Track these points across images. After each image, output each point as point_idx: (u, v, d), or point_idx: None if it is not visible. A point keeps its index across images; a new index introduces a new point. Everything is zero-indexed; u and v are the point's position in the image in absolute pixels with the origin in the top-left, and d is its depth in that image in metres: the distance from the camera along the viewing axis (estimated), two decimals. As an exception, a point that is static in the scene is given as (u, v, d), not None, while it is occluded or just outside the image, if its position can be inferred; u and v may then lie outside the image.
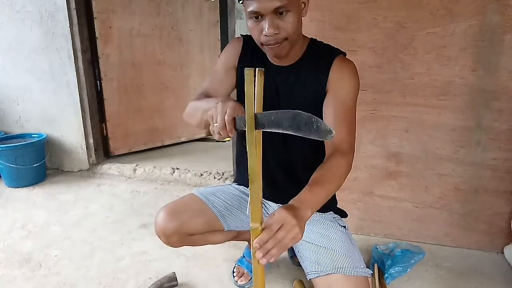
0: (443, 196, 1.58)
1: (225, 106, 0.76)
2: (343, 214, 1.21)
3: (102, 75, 2.63)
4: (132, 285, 1.39)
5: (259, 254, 0.67)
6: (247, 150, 0.67)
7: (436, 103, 1.49)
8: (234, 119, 0.75)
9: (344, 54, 1.03)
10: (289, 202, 0.76)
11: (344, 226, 1.13)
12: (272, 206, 1.21)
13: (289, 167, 1.12)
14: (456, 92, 1.46)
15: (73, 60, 2.40)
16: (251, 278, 1.38)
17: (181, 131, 3.17)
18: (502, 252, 1.55)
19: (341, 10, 1.49)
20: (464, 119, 1.48)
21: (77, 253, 1.62)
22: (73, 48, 2.38)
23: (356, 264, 0.99)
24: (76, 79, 2.43)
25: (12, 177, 2.38)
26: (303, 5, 0.92)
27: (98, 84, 2.64)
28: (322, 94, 0.99)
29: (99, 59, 2.59)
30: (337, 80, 0.98)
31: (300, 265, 1.47)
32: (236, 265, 1.43)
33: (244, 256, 1.43)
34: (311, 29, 1.50)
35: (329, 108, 0.97)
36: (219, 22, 3.22)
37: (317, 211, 1.13)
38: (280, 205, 1.18)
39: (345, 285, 0.96)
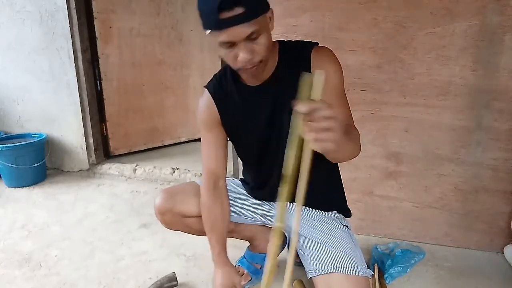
0: (443, 196, 1.58)
1: None
2: (347, 214, 1.21)
3: (102, 75, 2.63)
4: (132, 285, 1.39)
5: (307, 126, 0.62)
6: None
7: (436, 103, 1.49)
8: None
9: (316, 44, 1.00)
10: None
11: (347, 226, 1.14)
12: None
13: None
14: (456, 92, 1.46)
15: (73, 60, 2.40)
16: (251, 278, 1.38)
17: (181, 131, 3.17)
18: (502, 252, 1.55)
19: (341, 10, 1.49)
20: (464, 119, 1.48)
21: (77, 253, 1.62)
22: (73, 48, 2.38)
23: (357, 264, 0.99)
24: (76, 79, 2.44)
25: (12, 177, 2.38)
26: (269, 19, 0.88)
27: (98, 84, 2.64)
28: None
29: (99, 59, 2.60)
30: (320, 65, 0.95)
31: (300, 265, 1.47)
32: (236, 265, 1.43)
33: (244, 257, 1.43)
34: (311, 29, 1.50)
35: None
36: (219, 22, 3.22)
37: (320, 210, 1.15)
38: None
39: (345, 284, 0.96)
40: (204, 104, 1.09)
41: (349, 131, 0.85)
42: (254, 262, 1.40)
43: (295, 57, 0.97)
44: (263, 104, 1.02)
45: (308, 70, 0.95)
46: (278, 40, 1.02)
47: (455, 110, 1.48)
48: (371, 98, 1.55)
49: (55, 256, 1.60)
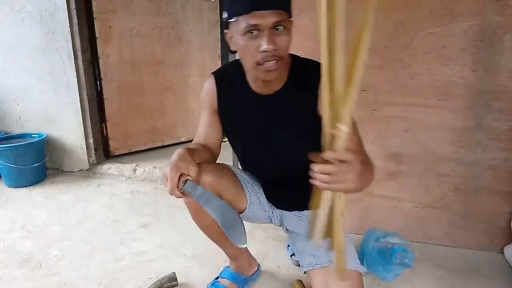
0: (443, 196, 1.58)
1: (171, 171, 0.85)
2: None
3: (102, 75, 2.63)
4: (132, 285, 1.39)
5: (315, 175, 0.69)
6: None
7: (436, 103, 1.49)
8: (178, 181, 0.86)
9: None
10: None
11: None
12: (276, 211, 1.22)
13: (288, 174, 1.09)
14: (456, 92, 1.46)
15: (73, 60, 2.40)
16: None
17: (181, 131, 3.17)
18: (502, 252, 1.55)
19: (341, 10, 1.49)
20: (464, 119, 1.48)
21: (77, 253, 1.62)
22: (73, 48, 2.38)
23: (351, 259, 1.00)
24: (76, 79, 2.43)
25: (12, 177, 2.38)
26: (290, 25, 0.89)
27: (98, 84, 2.64)
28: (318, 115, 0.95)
29: (99, 59, 2.59)
30: None
31: (299, 265, 1.47)
32: (219, 278, 1.36)
33: (226, 270, 1.38)
34: (311, 29, 1.50)
35: None
36: (219, 22, 3.23)
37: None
38: (286, 211, 1.20)
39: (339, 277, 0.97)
40: (207, 89, 1.09)
41: (365, 161, 0.83)
42: (234, 282, 1.34)
43: (306, 79, 0.96)
44: (263, 114, 1.01)
45: (315, 95, 0.91)
46: (291, 54, 1.00)
47: (455, 110, 1.48)
48: (371, 98, 1.55)
49: (55, 256, 1.60)
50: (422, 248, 1.60)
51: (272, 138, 1.04)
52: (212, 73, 1.10)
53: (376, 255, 1.40)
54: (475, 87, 1.44)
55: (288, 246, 1.57)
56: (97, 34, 2.54)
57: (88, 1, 2.46)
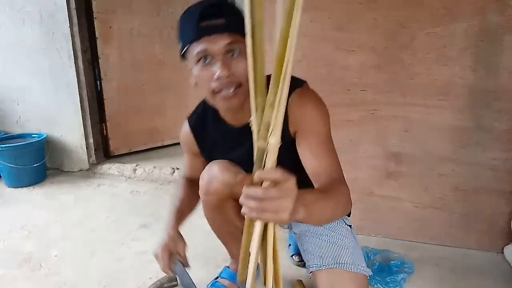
0: (443, 196, 1.58)
1: (162, 252, 0.99)
2: (349, 213, 1.21)
3: (102, 75, 2.63)
4: (132, 285, 1.39)
5: (243, 201, 0.57)
6: None
7: (436, 103, 1.49)
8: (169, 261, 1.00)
9: (301, 83, 0.92)
10: None
11: (350, 226, 1.14)
12: None
13: None
14: (456, 92, 1.46)
15: (73, 60, 2.40)
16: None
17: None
18: (502, 252, 1.55)
19: (341, 10, 1.49)
20: (464, 119, 1.48)
21: (77, 253, 1.62)
22: (73, 48, 2.38)
23: (358, 262, 1.00)
24: (76, 79, 2.44)
25: (12, 177, 2.38)
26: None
27: (98, 84, 2.64)
28: (291, 139, 0.92)
29: (99, 59, 2.59)
30: (302, 117, 0.89)
31: (300, 266, 1.47)
32: (219, 278, 1.37)
33: (225, 270, 1.38)
34: (311, 29, 1.50)
35: (303, 149, 0.89)
36: (219, 22, 3.23)
37: None
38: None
39: (345, 280, 0.97)
40: (184, 135, 1.11)
41: (327, 190, 0.76)
42: (234, 282, 1.34)
43: None
44: (241, 148, 0.98)
45: (286, 116, 0.75)
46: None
47: (455, 110, 1.48)
48: (371, 98, 1.55)
49: (55, 256, 1.60)
50: (422, 248, 1.60)
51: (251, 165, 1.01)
52: (187, 117, 1.11)
53: (378, 273, 1.39)
54: (475, 87, 1.44)
55: (289, 245, 1.57)
56: (97, 34, 2.54)
57: (88, 1, 2.46)
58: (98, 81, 2.63)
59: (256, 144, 0.55)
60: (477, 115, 1.46)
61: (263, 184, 0.55)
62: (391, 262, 1.43)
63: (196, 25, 0.78)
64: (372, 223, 1.69)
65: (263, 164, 0.55)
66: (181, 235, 1.04)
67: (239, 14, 0.80)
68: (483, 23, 1.37)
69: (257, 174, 0.56)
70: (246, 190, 0.56)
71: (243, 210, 0.57)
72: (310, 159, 0.87)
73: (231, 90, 0.82)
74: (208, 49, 0.79)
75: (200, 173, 1.11)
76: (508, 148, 1.46)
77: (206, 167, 1.07)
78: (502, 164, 1.48)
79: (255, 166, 0.56)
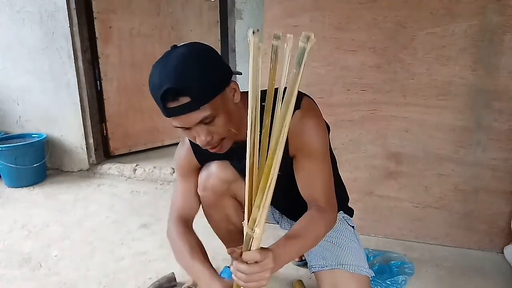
0: (443, 196, 1.58)
1: None
2: (351, 213, 1.21)
3: (102, 75, 2.63)
4: (132, 285, 1.39)
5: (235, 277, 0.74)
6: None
7: (436, 103, 1.49)
8: None
9: (300, 101, 0.90)
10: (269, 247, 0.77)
11: (353, 227, 1.14)
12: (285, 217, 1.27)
13: (281, 203, 1.17)
14: (456, 92, 1.46)
15: (73, 60, 2.40)
16: None
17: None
18: (502, 252, 1.55)
19: (341, 10, 1.49)
20: (464, 119, 1.48)
21: (77, 253, 1.62)
22: (73, 48, 2.38)
23: (361, 263, 1.00)
24: (76, 79, 2.43)
25: (12, 177, 2.38)
26: (232, 91, 0.82)
27: (98, 84, 2.64)
28: (290, 159, 0.93)
29: (99, 59, 2.59)
30: (300, 145, 0.89)
31: (300, 265, 1.47)
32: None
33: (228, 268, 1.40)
34: (311, 29, 1.50)
35: (299, 169, 0.92)
36: (219, 23, 3.22)
37: None
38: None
39: (348, 281, 0.97)
40: (183, 153, 1.06)
41: (302, 232, 0.84)
42: None
43: None
44: (240, 159, 0.93)
45: (286, 140, 0.76)
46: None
47: (455, 110, 1.48)
48: (371, 98, 1.55)
49: (55, 256, 1.60)
50: (422, 248, 1.60)
51: None
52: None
53: (378, 274, 1.39)
54: (475, 87, 1.44)
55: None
56: (97, 34, 2.54)
57: (88, 1, 2.46)
58: (98, 81, 2.63)
59: (245, 230, 0.71)
60: (477, 115, 1.46)
61: (248, 262, 0.72)
62: (391, 262, 1.43)
63: (163, 107, 0.77)
64: (372, 223, 1.69)
65: (249, 247, 0.71)
66: (220, 277, 0.93)
67: (202, 79, 0.75)
68: (483, 23, 1.37)
69: (244, 256, 0.71)
70: (235, 266, 0.73)
71: (233, 277, 0.74)
72: (303, 187, 0.94)
73: (216, 146, 0.85)
74: (182, 125, 0.79)
75: (194, 203, 1.09)
76: (508, 148, 1.46)
77: (204, 166, 1.07)
78: (502, 164, 1.48)
79: (243, 247, 0.72)
